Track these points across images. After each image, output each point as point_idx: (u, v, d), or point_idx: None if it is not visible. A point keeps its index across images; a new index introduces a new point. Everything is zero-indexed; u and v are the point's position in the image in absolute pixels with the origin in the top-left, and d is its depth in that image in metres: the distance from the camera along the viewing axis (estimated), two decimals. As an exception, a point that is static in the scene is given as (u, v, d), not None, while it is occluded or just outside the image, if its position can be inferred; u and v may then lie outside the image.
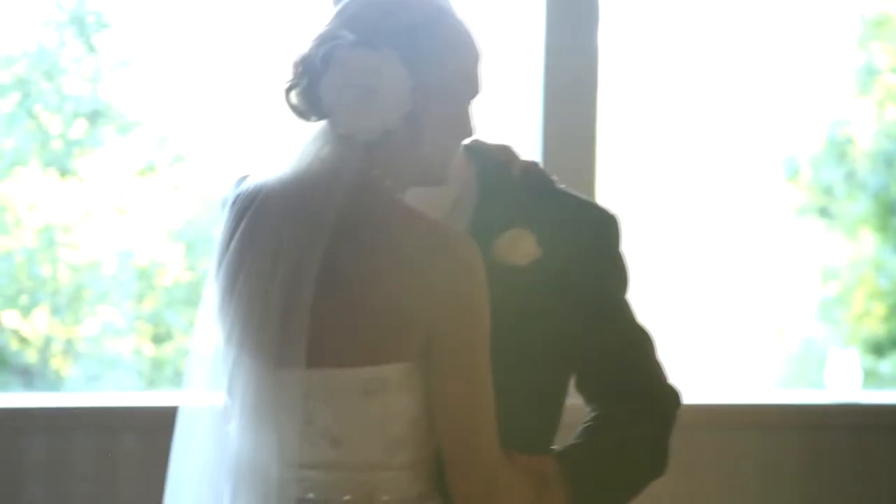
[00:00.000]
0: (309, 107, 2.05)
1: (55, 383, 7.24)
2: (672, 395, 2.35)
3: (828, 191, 8.82)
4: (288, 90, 2.09)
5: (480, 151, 2.36)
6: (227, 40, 7.42)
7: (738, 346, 8.71)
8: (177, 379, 7.48)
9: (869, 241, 8.86)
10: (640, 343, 2.34)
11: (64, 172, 7.12)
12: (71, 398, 5.49)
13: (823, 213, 8.93)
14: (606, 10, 4.25)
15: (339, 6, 2.08)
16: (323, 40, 2.04)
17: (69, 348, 7.31)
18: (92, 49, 7.19)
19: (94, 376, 7.28)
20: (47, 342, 7.28)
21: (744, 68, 8.51)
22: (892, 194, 8.66)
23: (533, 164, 2.37)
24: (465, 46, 2.10)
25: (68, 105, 7.17)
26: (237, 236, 2.06)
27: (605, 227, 2.33)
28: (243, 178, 2.18)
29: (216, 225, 2.19)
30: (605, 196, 4.20)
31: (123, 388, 7.25)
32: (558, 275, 2.26)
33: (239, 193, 2.13)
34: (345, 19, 2.05)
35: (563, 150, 4.14)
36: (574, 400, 2.37)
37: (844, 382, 4.56)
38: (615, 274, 2.33)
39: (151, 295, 7.39)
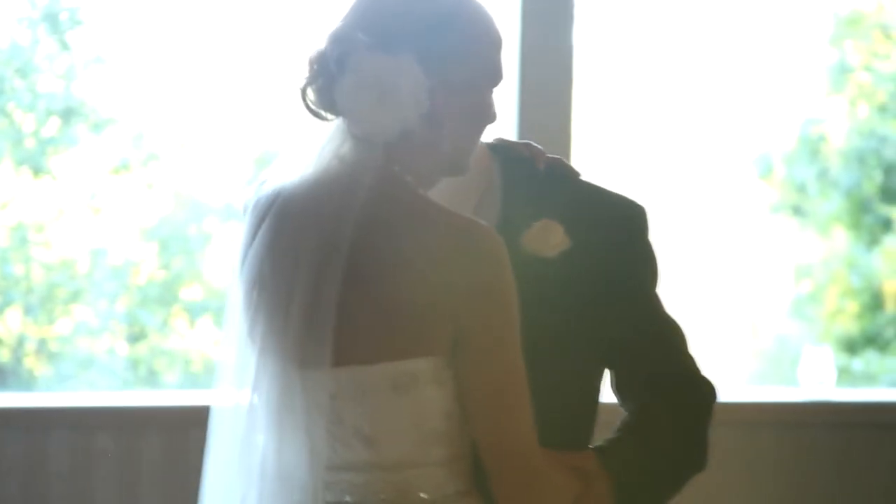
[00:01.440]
0: (325, 106, 2.02)
1: (28, 383, 7.21)
2: (707, 387, 2.34)
3: (801, 188, 8.85)
4: (304, 89, 2.04)
5: (503, 148, 2.36)
6: (201, 37, 7.40)
7: (711, 343, 8.73)
8: (151, 378, 7.47)
9: (842, 238, 8.89)
10: (671, 336, 2.33)
11: (37, 171, 7.09)
12: (46, 398, 5.47)
13: (796, 210, 8.97)
14: (581, 10, 4.26)
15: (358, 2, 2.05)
16: (338, 40, 2.01)
17: (42, 348, 7.28)
18: (65, 46, 7.16)
19: (67, 376, 7.25)
20: (20, 341, 7.25)
21: (717, 66, 8.54)
22: (865, 192, 8.70)
23: (557, 159, 2.37)
24: (486, 37, 2.09)
25: (41, 103, 7.14)
26: (259, 238, 2.03)
27: (633, 218, 2.32)
28: (263, 182, 2.14)
29: (238, 230, 2.16)
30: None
31: (97, 387, 7.23)
32: (588, 266, 2.25)
33: (259, 197, 2.09)
34: (360, 17, 2.02)
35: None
36: (609, 399, 2.35)
37: (818, 380, 4.58)
38: (645, 265, 2.33)
39: (125, 294, 7.37)
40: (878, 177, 8.67)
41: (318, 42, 2.05)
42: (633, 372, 2.33)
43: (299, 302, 1.97)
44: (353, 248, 1.97)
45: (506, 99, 4.20)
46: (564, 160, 2.39)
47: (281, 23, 7.16)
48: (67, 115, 7.18)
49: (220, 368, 2.14)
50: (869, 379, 8.38)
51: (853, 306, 8.74)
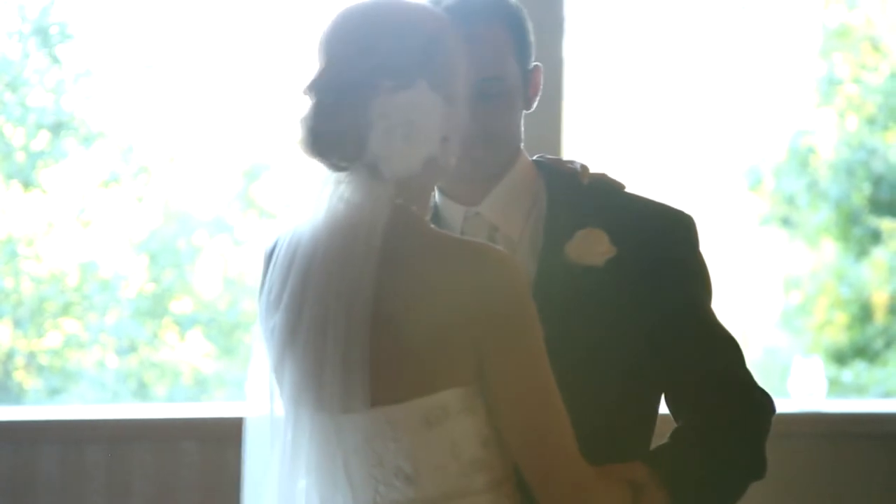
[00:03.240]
0: (350, 157, 1.99)
1: (18, 396, 7.20)
2: (765, 399, 2.32)
3: (790, 200, 8.87)
4: (320, 146, 2.01)
5: (548, 164, 2.38)
6: (191, 51, 7.41)
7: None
8: (141, 391, 7.46)
9: (831, 250, 8.91)
10: (727, 349, 2.30)
11: (27, 184, 7.09)
12: (36, 411, 5.46)
13: (786, 222, 8.98)
14: (571, 21, 4.27)
15: (341, 36, 2.03)
16: (354, 90, 1.99)
17: (32, 361, 7.27)
18: (55, 60, 7.16)
19: (57, 389, 7.24)
20: (10, 355, 7.24)
21: (707, 78, 8.55)
22: (854, 203, 8.71)
23: (602, 173, 2.39)
24: (459, 45, 2.10)
25: (31, 116, 7.13)
26: (282, 289, 2.01)
27: (681, 229, 2.31)
28: (279, 229, 2.12)
29: (259, 278, 2.14)
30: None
31: (87, 400, 7.22)
32: (637, 277, 2.25)
33: (274, 246, 2.07)
34: (360, 59, 2.00)
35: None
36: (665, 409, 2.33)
37: (808, 391, 4.58)
38: (696, 277, 2.31)
39: (115, 307, 7.36)
40: (866, 188, 8.69)
41: (319, 93, 2.03)
42: (688, 385, 2.30)
43: (332, 349, 1.96)
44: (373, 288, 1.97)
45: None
46: (609, 174, 2.39)
47: (270, 37, 7.17)
48: (57, 128, 7.18)
49: (249, 421, 2.12)
50: (858, 390, 8.39)
51: (842, 317, 8.75)
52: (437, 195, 2.37)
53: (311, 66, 2.10)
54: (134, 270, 7.45)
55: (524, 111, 2.36)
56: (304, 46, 2.13)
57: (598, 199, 2.33)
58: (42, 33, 7.15)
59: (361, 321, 1.96)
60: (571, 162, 2.40)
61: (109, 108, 7.29)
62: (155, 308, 7.48)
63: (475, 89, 2.23)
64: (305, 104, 2.05)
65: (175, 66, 7.37)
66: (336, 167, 2.02)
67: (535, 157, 2.40)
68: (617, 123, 8.35)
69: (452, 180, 2.32)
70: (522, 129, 2.37)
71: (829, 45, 8.73)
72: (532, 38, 2.36)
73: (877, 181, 8.67)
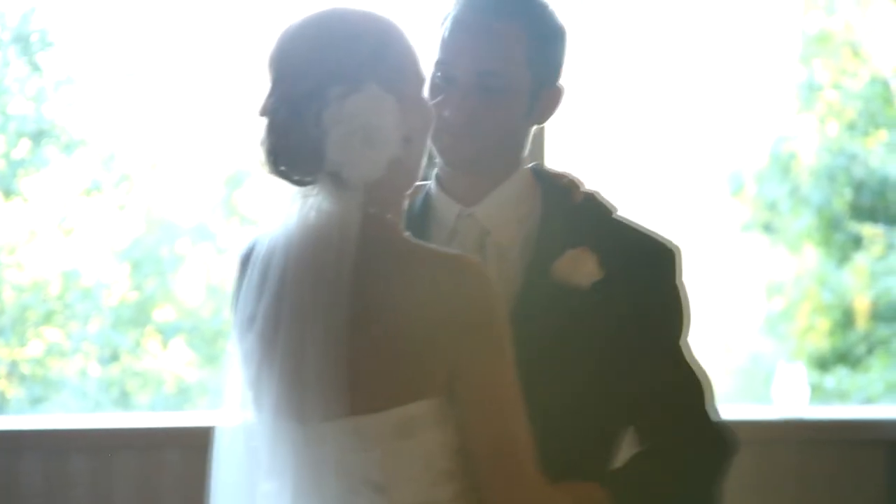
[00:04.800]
0: (311, 170, 1.99)
1: (0, 405, 7.17)
2: (725, 442, 2.33)
3: (772, 206, 8.89)
4: (277, 163, 2.01)
5: (546, 175, 2.38)
6: (172, 58, 7.40)
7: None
8: (123, 399, 7.44)
9: (813, 255, 8.93)
10: (694, 386, 2.32)
11: (8, 193, 7.07)
12: (17, 420, 5.44)
13: (768, 228, 9.00)
14: (565, 27, 4.27)
15: (287, 52, 2.02)
16: (306, 101, 1.98)
17: (14, 370, 7.24)
18: (36, 68, 7.14)
19: (39, 398, 7.22)
20: (-9, 364, 7.22)
21: (688, 85, 8.57)
22: (835, 209, 8.73)
23: (595, 193, 2.38)
24: (412, 47, 2.09)
25: (12, 125, 7.11)
26: (257, 298, 2.01)
27: (665, 261, 2.32)
28: (254, 238, 2.11)
29: (234, 286, 2.14)
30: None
31: (70, 409, 7.20)
32: (617, 302, 2.25)
33: (249, 252, 2.07)
34: (308, 71, 2.00)
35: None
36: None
37: (792, 398, 4.59)
38: (672, 310, 2.32)
39: (97, 315, 7.34)
40: (848, 194, 8.71)
41: (270, 112, 2.03)
42: (652, 416, 2.31)
43: (308, 359, 1.96)
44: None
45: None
46: (601, 194, 2.39)
47: (252, 45, 7.17)
48: (38, 136, 7.16)
49: (221, 431, 2.12)
50: (841, 396, 8.41)
51: (824, 323, 8.77)
52: (433, 188, 2.37)
53: (261, 86, 2.10)
54: (116, 279, 7.43)
55: (530, 123, 2.34)
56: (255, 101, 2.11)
57: (588, 219, 2.33)
58: (22, 41, 7.13)
59: (337, 331, 1.95)
60: (565, 175, 2.39)
61: (91, 115, 7.27)
62: (137, 316, 7.46)
63: (472, 79, 2.23)
64: (260, 126, 2.05)
65: (156, 74, 7.36)
66: (300, 182, 2.01)
67: (531, 165, 2.39)
68: (599, 129, 8.36)
69: (447, 174, 2.32)
70: (526, 139, 2.35)
71: (808, 50, 8.75)
72: (562, 54, 2.34)
73: (858, 187, 8.69)
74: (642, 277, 2.28)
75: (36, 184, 7.16)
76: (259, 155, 2.04)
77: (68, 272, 7.25)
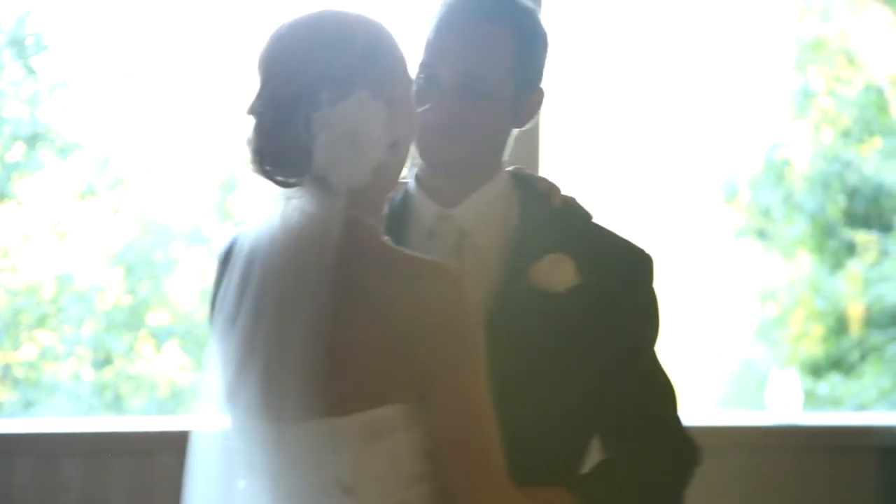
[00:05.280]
0: (298, 172, 1.99)
1: (-8, 409, 7.17)
2: (689, 450, 2.35)
3: (766, 213, 8.89)
4: (263, 163, 2.02)
5: (525, 180, 2.38)
6: (167, 61, 7.39)
7: (678, 367, 8.75)
8: (117, 403, 7.43)
9: (806, 262, 8.94)
10: (663, 395, 2.34)
11: (2, 196, 7.06)
12: (11, 424, 5.43)
13: (761, 234, 9.00)
14: (549, 33, 4.28)
15: (277, 53, 2.02)
16: (295, 104, 1.99)
17: (7, 373, 7.23)
18: (31, 71, 7.14)
19: (33, 402, 7.21)
20: (-16, 367, 7.21)
21: (682, 91, 8.58)
22: (829, 216, 8.74)
23: (572, 199, 2.39)
24: (400, 49, 2.10)
25: (6, 128, 7.11)
26: (235, 300, 2.01)
27: (640, 268, 2.33)
28: (234, 231, 2.12)
29: (212, 281, 2.14)
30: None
31: (63, 413, 7.19)
32: (591, 308, 2.26)
33: (229, 250, 2.07)
34: (299, 73, 2.01)
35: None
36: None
37: (785, 404, 4.59)
38: (644, 317, 2.33)
39: (91, 319, 7.33)
40: (842, 201, 8.72)
41: (259, 112, 2.03)
42: (620, 423, 2.33)
43: (285, 359, 1.97)
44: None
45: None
46: (578, 200, 2.40)
47: (247, 48, 7.16)
48: (33, 140, 7.15)
49: (199, 421, 2.13)
50: (834, 402, 8.41)
51: (818, 330, 8.78)
52: (413, 188, 2.37)
53: (250, 83, 2.10)
54: (110, 282, 7.42)
55: (512, 127, 2.35)
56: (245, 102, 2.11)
57: (566, 225, 2.34)
58: (17, 44, 7.12)
59: (314, 334, 1.96)
60: (544, 180, 2.40)
61: (85, 119, 7.27)
62: (131, 320, 7.45)
63: (457, 82, 2.23)
64: (249, 125, 2.05)
65: (151, 78, 7.36)
66: (285, 184, 2.01)
67: (511, 169, 2.39)
68: (593, 135, 8.36)
69: (428, 174, 2.33)
70: (506, 143, 2.36)
71: (803, 57, 8.76)
72: (544, 58, 2.35)
73: (852, 194, 8.70)
74: (617, 284, 2.30)
75: (30, 187, 7.16)
76: (245, 154, 2.04)
77: (62, 276, 7.24)
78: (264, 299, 2.00)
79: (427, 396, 2.00)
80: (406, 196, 2.36)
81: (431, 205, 2.34)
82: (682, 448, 2.36)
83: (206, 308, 7.74)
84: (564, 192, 2.40)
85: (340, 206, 2.00)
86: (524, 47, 2.30)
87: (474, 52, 2.25)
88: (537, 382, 2.22)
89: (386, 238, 2.06)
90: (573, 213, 2.37)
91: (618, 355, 2.29)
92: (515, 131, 2.37)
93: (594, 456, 2.37)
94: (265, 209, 2.06)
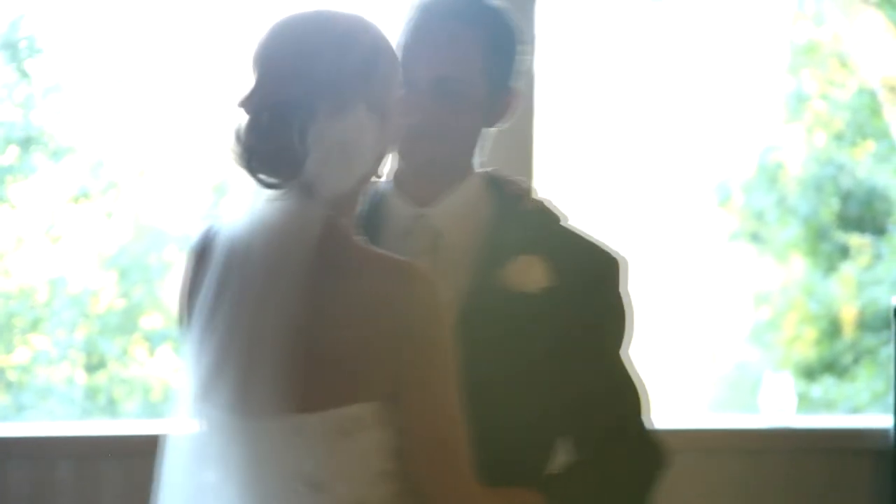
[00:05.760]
0: (287, 176, 1.99)
1: (-15, 412, 7.16)
2: (657, 453, 2.36)
3: (759, 216, 8.91)
4: (251, 160, 2.01)
5: (499, 181, 2.40)
6: (161, 65, 7.39)
7: (671, 369, 8.76)
8: (110, 407, 7.42)
9: (799, 265, 8.95)
10: (630, 397, 2.34)
11: (-4, 200, 7.07)
12: (4, 427, 5.43)
13: (755, 237, 9.02)
14: (542, 37, 4.28)
15: (276, 51, 2.00)
16: (293, 110, 1.98)
17: (0, 377, 7.23)
18: (24, 75, 7.14)
19: (26, 405, 7.20)
20: (-22, 371, 7.21)
21: (676, 95, 8.59)
22: (822, 219, 8.75)
23: (545, 201, 2.40)
24: (396, 56, 2.11)
25: (0, 131, 7.11)
26: (211, 295, 2.02)
27: (610, 270, 2.33)
28: (208, 225, 2.12)
29: (183, 274, 2.15)
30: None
31: (55, 416, 7.18)
32: (561, 309, 2.27)
33: (204, 244, 2.07)
34: (302, 78, 1.99)
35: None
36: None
37: (779, 407, 4.59)
38: (612, 319, 2.34)
39: (84, 322, 7.33)
40: (835, 204, 8.73)
41: (254, 111, 2.02)
42: (586, 423, 2.34)
43: (260, 355, 1.97)
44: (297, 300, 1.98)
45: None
46: (551, 202, 2.41)
47: (241, 52, 7.17)
48: (26, 143, 7.15)
49: (176, 410, 2.13)
50: (827, 405, 8.42)
51: (811, 332, 8.79)
52: (388, 188, 2.37)
53: (245, 77, 2.08)
54: (103, 286, 7.42)
55: (485, 127, 2.36)
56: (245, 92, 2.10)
57: (539, 226, 2.35)
58: (11, 48, 7.12)
59: (289, 330, 1.97)
60: (517, 182, 2.41)
61: (79, 122, 7.27)
62: (124, 324, 7.45)
63: (432, 84, 2.24)
64: (239, 117, 2.05)
65: (145, 82, 7.36)
66: (268, 184, 2.01)
67: (485, 171, 2.40)
68: (587, 139, 8.37)
69: (404, 174, 2.33)
70: (480, 142, 2.37)
71: (797, 61, 8.78)
72: (518, 60, 2.36)
73: (845, 197, 8.72)
74: (587, 287, 2.30)
75: (24, 191, 7.16)
76: (232, 145, 2.04)
77: (55, 279, 7.24)
78: (242, 296, 2.01)
79: (397, 396, 2.01)
80: (381, 196, 2.37)
81: (407, 205, 2.34)
82: (649, 450, 2.37)
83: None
84: (537, 194, 2.41)
85: (320, 209, 2.00)
86: (496, 47, 2.31)
87: (447, 54, 2.26)
88: (507, 382, 2.23)
89: (359, 238, 2.07)
90: (545, 215, 2.38)
91: (585, 357, 2.30)
92: (494, 131, 2.38)
93: (563, 457, 2.37)
94: (243, 205, 2.06)
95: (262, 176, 2.01)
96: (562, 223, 2.37)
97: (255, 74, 2.04)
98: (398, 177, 2.36)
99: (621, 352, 2.35)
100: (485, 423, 2.08)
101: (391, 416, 2.01)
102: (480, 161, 2.40)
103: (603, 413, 2.32)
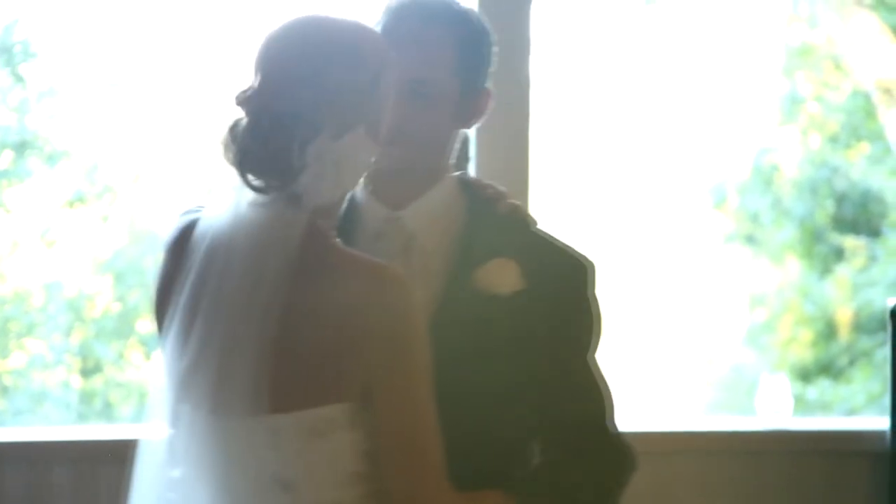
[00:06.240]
0: (270, 184, 1.99)
1: (-19, 417, 7.15)
2: (624, 457, 2.37)
3: (754, 218, 8.91)
4: (244, 161, 2.01)
5: (471, 185, 2.41)
6: (155, 68, 7.39)
7: (667, 372, 8.76)
8: (106, 411, 7.41)
9: (795, 267, 8.95)
10: (597, 400, 2.35)
11: (-10, 204, 7.06)
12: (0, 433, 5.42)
13: (750, 240, 9.02)
14: (537, 41, 4.28)
15: (284, 55, 2.01)
16: (298, 125, 1.99)
17: (-4, 382, 7.23)
18: (18, 79, 7.13)
19: (21, 410, 7.19)
20: (-27, 376, 7.20)
21: (671, 97, 8.59)
22: (818, 221, 8.76)
23: (517, 205, 2.41)
24: (392, 71, 2.13)
25: (-6, 136, 7.11)
26: (190, 293, 2.02)
27: (579, 275, 2.35)
28: (184, 220, 2.12)
29: (156, 266, 2.15)
30: (537, 224, 4.22)
31: (51, 421, 7.17)
32: (531, 313, 2.28)
33: (180, 240, 2.07)
34: (308, 93, 1.99)
35: (496, 181, 4.16)
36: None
37: (775, 409, 4.60)
38: (582, 323, 2.35)
39: (80, 327, 7.32)
40: (830, 206, 8.73)
41: (254, 115, 2.01)
42: (554, 426, 2.35)
43: (237, 353, 1.98)
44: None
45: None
46: (523, 206, 2.43)
47: (235, 56, 7.17)
48: (21, 147, 7.14)
49: (150, 404, 2.14)
50: (823, 407, 8.42)
51: (807, 335, 8.79)
52: (362, 190, 2.38)
53: (245, 75, 2.07)
54: (99, 290, 7.41)
55: (459, 128, 2.37)
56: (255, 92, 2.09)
57: (511, 230, 2.36)
58: (5, 52, 7.11)
59: (267, 331, 1.98)
60: (490, 186, 2.42)
61: (74, 126, 7.26)
62: (120, 328, 7.44)
63: (404, 87, 2.25)
64: (236, 114, 2.04)
65: (140, 85, 7.35)
66: (255, 188, 2.01)
67: (458, 174, 2.41)
68: (583, 141, 8.37)
69: (378, 176, 2.33)
70: (454, 144, 2.39)
71: (791, 63, 8.78)
72: (489, 60, 2.38)
73: (840, 199, 8.72)
74: (557, 290, 2.32)
75: (18, 195, 7.15)
76: (226, 143, 2.03)
77: (51, 284, 7.24)
78: (222, 296, 2.01)
79: (371, 397, 2.02)
80: (354, 197, 2.38)
81: (380, 207, 2.36)
82: (617, 454, 2.38)
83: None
84: (510, 198, 2.42)
85: (304, 215, 2.01)
86: (468, 48, 2.33)
87: (420, 56, 2.27)
88: (478, 384, 2.25)
89: (337, 240, 2.07)
90: (517, 220, 2.40)
91: (555, 360, 2.32)
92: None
93: (531, 459, 2.38)
94: (223, 203, 2.05)
95: (250, 178, 2.01)
96: (533, 228, 2.39)
97: (259, 75, 2.04)
98: (372, 179, 2.36)
99: (589, 355, 2.37)
100: (454, 425, 2.09)
101: (364, 417, 2.02)
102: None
103: (570, 416, 2.34)
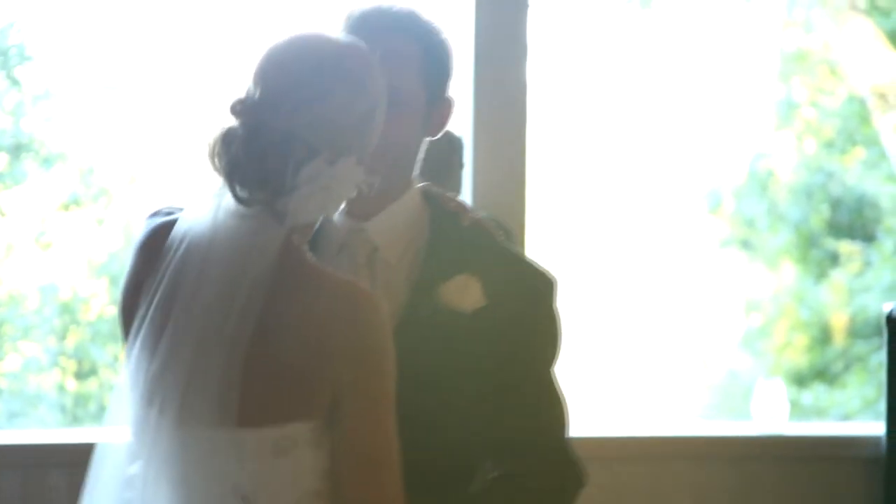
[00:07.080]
0: (258, 197, 1.98)
1: (-24, 421, 7.15)
2: (575, 473, 2.37)
3: (750, 223, 8.92)
4: (233, 172, 2.00)
5: (435, 198, 2.40)
6: (150, 71, 7.39)
7: (663, 377, 8.76)
8: (101, 414, 7.41)
9: (790, 272, 8.96)
10: (553, 416, 2.36)
11: (-14, 207, 7.06)
12: (-6, 435, 5.42)
13: (746, 244, 9.03)
14: (534, 46, 4.28)
15: (284, 72, 1.99)
16: (294, 145, 1.98)
17: (-10, 384, 7.23)
18: (14, 82, 7.13)
19: (16, 413, 7.19)
20: (-32, 378, 7.19)
21: (667, 102, 8.60)
22: (813, 226, 8.77)
23: (482, 218, 2.41)
24: (386, 96, 2.12)
25: (-10, 138, 7.11)
26: (162, 298, 2.01)
27: (540, 289, 2.35)
28: (156, 221, 2.11)
29: (128, 269, 2.13)
30: (534, 229, 4.22)
31: (46, 424, 7.17)
32: (493, 329, 2.28)
33: (153, 242, 2.06)
34: (307, 117, 1.98)
35: (493, 186, 4.16)
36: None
37: (770, 414, 4.60)
38: (542, 339, 2.35)
39: (75, 330, 7.32)
40: (825, 211, 8.75)
41: (249, 127, 2.01)
42: (509, 440, 2.35)
43: (206, 365, 1.97)
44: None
45: (461, 129, 4.21)
46: (490, 220, 2.43)
47: (231, 58, 7.17)
48: (16, 150, 7.15)
49: (112, 406, 2.13)
50: (818, 412, 8.43)
51: (802, 339, 8.80)
52: None
53: (243, 83, 2.06)
54: (94, 293, 7.41)
55: (425, 137, 2.37)
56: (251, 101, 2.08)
57: (474, 245, 2.36)
58: (1, 55, 7.11)
59: (239, 345, 1.96)
60: (453, 199, 2.42)
61: (69, 129, 7.26)
62: (115, 331, 7.42)
63: None
64: (229, 121, 2.03)
65: (135, 88, 7.35)
66: (239, 198, 2.00)
67: (421, 186, 2.41)
68: (579, 145, 8.38)
69: None
70: (420, 154, 2.39)
71: (787, 68, 8.80)
72: (450, 68, 2.38)
73: (835, 204, 8.74)
74: (519, 306, 2.32)
75: (14, 198, 7.15)
76: (217, 150, 2.03)
77: (46, 286, 7.23)
78: (195, 305, 2.00)
79: (335, 415, 2.01)
80: None
81: (344, 219, 2.35)
82: (568, 469, 2.38)
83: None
84: (474, 211, 2.42)
85: (284, 232, 2.01)
86: (432, 57, 2.34)
87: (386, 65, 2.26)
88: (437, 399, 2.25)
89: (310, 256, 2.07)
90: (481, 233, 2.39)
91: (514, 376, 2.32)
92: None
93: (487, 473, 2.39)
94: (201, 207, 2.05)
95: (237, 188, 2.00)
96: (498, 241, 2.39)
97: (260, 87, 2.03)
98: None
99: (550, 370, 2.37)
100: (412, 440, 2.08)
101: (327, 435, 2.01)
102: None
103: (528, 431, 2.34)
